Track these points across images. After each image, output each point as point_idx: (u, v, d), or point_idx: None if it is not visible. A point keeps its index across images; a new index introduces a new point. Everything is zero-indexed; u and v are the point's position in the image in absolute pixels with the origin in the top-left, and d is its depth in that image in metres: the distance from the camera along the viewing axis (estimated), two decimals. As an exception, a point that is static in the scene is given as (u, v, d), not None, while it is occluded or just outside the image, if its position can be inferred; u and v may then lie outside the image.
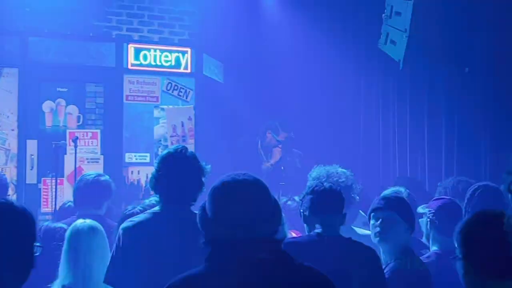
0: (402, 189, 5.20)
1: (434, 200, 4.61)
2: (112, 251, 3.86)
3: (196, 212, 3.90)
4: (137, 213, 4.22)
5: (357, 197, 4.81)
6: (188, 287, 2.49)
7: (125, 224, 3.89)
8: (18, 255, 2.48)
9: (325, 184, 3.97)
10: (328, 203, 3.80)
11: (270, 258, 2.45)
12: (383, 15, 7.19)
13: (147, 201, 4.79)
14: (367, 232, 4.65)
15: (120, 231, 3.85)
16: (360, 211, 5.30)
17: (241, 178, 2.51)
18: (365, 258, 3.69)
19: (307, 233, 3.85)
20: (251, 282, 2.41)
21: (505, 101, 8.29)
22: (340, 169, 4.69)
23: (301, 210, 3.86)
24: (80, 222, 4.19)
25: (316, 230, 3.71)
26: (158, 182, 3.93)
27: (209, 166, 4.06)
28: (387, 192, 5.10)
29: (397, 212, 3.99)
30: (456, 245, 2.68)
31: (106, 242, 4.17)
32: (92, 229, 4.13)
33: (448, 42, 6.78)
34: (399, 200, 4.16)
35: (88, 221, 4.18)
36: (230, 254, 2.44)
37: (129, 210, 4.63)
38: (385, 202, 4.07)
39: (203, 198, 2.69)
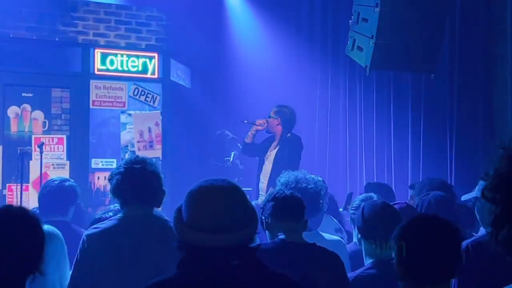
0: (373, 195, 5.22)
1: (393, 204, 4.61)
2: (76, 256, 3.84)
3: (160, 218, 3.94)
4: (106, 219, 4.20)
5: (325, 204, 4.81)
6: None
7: (89, 230, 3.89)
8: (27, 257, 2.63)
9: (286, 191, 3.97)
10: (289, 209, 3.80)
11: (244, 266, 2.44)
12: (350, 21, 7.21)
13: (112, 207, 4.76)
14: (335, 237, 4.67)
15: (84, 237, 3.84)
16: (332, 217, 5.31)
17: (219, 184, 2.49)
18: (329, 263, 3.70)
19: (269, 240, 3.85)
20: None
21: (470, 106, 8.40)
22: (309, 175, 4.69)
23: (263, 217, 3.86)
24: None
25: (280, 237, 3.71)
26: (118, 188, 3.93)
27: (163, 176, 4.11)
28: (360, 198, 5.12)
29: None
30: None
31: (63, 248, 4.12)
32: (49, 235, 4.08)
33: (415, 48, 6.82)
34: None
35: (46, 227, 4.14)
36: (204, 260, 2.43)
37: (97, 216, 4.60)
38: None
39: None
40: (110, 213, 4.49)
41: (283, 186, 4.44)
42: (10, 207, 2.82)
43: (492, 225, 1.77)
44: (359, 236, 3.93)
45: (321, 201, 4.66)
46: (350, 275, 3.78)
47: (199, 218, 2.44)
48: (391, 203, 4.24)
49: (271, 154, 8.08)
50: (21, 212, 2.74)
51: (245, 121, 8.43)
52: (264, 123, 8.20)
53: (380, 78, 9.16)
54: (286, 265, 2.80)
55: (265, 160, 8.13)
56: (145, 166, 3.94)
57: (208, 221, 2.41)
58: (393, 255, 2.85)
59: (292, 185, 4.48)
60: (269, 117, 8.17)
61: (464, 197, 4.93)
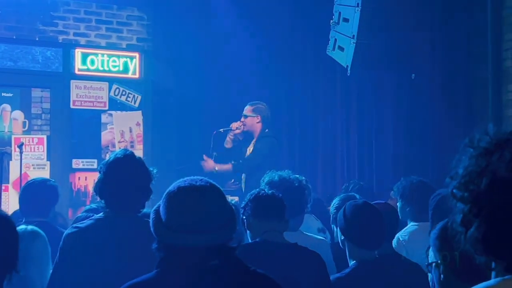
0: (355, 195, 5.22)
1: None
2: (56, 257, 3.81)
3: (143, 219, 3.91)
4: (83, 218, 4.17)
5: (308, 203, 4.81)
6: None
7: (69, 230, 3.84)
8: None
9: (267, 190, 3.97)
10: (270, 209, 3.80)
11: (223, 265, 2.43)
12: (331, 21, 7.24)
13: (87, 207, 4.75)
14: (318, 237, 4.68)
15: (64, 237, 3.80)
16: (315, 217, 5.31)
17: (197, 184, 2.48)
18: (311, 263, 3.70)
19: (250, 240, 3.84)
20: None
21: (451, 106, 8.44)
22: (293, 175, 4.69)
23: (244, 217, 3.85)
24: (21, 228, 4.11)
25: (261, 237, 3.71)
26: (104, 187, 3.86)
27: (156, 171, 4.01)
28: (341, 198, 5.13)
29: None
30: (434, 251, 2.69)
31: (46, 248, 4.10)
32: (32, 234, 4.07)
33: (395, 48, 6.86)
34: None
35: (30, 227, 4.12)
36: (183, 260, 2.42)
37: (77, 216, 4.59)
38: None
39: (152, 204, 2.66)
40: (84, 213, 4.49)
41: (267, 185, 4.43)
42: None
43: (461, 224, 1.78)
44: (342, 237, 3.93)
45: (305, 201, 4.66)
46: (334, 276, 3.78)
47: (177, 219, 2.42)
48: (374, 203, 4.24)
49: (248, 151, 8.03)
50: None
51: (221, 130, 8.30)
52: (241, 125, 8.10)
53: (361, 78, 9.17)
54: (268, 265, 2.79)
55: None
56: (131, 166, 3.87)
57: (187, 222, 2.40)
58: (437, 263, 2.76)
59: (277, 185, 4.47)
60: (246, 116, 8.07)
61: None
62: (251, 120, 8.03)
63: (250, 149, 8.02)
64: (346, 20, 6.91)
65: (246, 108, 8.11)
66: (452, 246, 2.58)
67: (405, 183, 5.65)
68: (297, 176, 4.79)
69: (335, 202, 5.11)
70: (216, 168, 7.79)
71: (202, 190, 2.46)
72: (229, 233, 2.48)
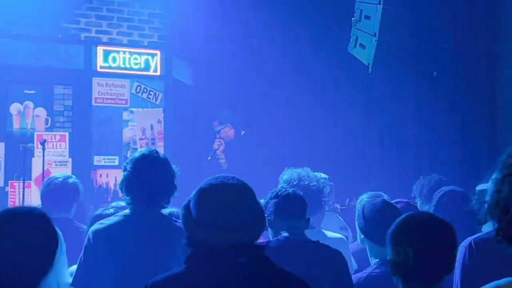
0: (382, 194, 5.20)
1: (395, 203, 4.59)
2: (81, 253, 3.83)
3: (168, 215, 3.93)
4: (107, 215, 4.18)
5: (328, 201, 4.80)
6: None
7: (95, 226, 3.86)
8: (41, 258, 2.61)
9: (288, 188, 3.97)
10: (291, 207, 3.80)
11: (251, 263, 2.44)
12: (352, 19, 7.22)
13: (114, 204, 4.75)
14: (337, 235, 4.66)
15: (90, 233, 3.81)
16: (337, 215, 5.30)
17: (229, 182, 2.49)
18: (332, 260, 3.69)
19: (272, 238, 3.84)
20: (230, 286, 2.40)
21: (473, 103, 8.39)
22: (311, 173, 4.67)
23: (266, 215, 3.85)
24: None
25: (284, 234, 3.71)
26: (130, 183, 3.89)
27: (178, 169, 4.04)
28: (368, 195, 5.11)
29: None
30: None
31: (62, 245, 4.12)
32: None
33: (417, 46, 6.82)
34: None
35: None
36: (212, 257, 2.43)
37: (99, 212, 4.59)
38: None
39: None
40: (111, 210, 4.48)
41: (286, 184, 4.43)
42: (18, 208, 2.79)
43: (497, 218, 1.78)
44: (362, 236, 3.93)
45: (323, 198, 4.65)
46: (356, 275, 3.77)
47: (209, 216, 2.43)
48: (396, 201, 4.23)
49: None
50: (31, 212, 2.71)
51: (209, 158, 8.23)
52: (221, 142, 8.07)
53: (383, 76, 9.14)
54: (290, 262, 2.79)
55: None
56: (156, 163, 3.90)
57: (218, 219, 2.41)
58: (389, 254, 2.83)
59: (295, 183, 4.47)
60: (218, 132, 8.03)
61: (479, 187, 4.91)
62: (224, 132, 8.06)
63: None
64: (367, 17, 6.90)
65: (214, 124, 8.12)
66: (407, 241, 2.64)
67: (423, 181, 5.64)
68: (317, 174, 4.78)
69: (362, 199, 5.09)
70: None
71: (233, 188, 2.48)
72: (258, 232, 2.49)
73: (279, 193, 3.87)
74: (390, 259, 2.79)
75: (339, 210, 6.12)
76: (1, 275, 2.51)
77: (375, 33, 6.68)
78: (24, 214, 2.67)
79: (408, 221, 2.86)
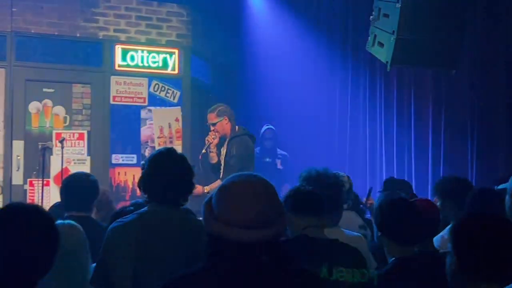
0: (402, 194, 5.16)
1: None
2: (100, 251, 3.84)
3: (187, 213, 3.94)
4: (125, 213, 4.19)
5: (347, 199, 4.78)
6: (187, 285, 2.47)
7: (114, 224, 3.86)
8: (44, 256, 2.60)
9: (305, 186, 3.96)
10: (309, 205, 3.79)
11: (272, 261, 2.43)
12: (370, 17, 7.18)
13: (133, 202, 4.76)
14: (355, 233, 4.64)
15: (108, 231, 3.82)
16: (356, 213, 5.28)
17: (252, 180, 2.48)
18: (351, 259, 3.68)
19: (290, 235, 3.84)
20: (251, 284, 2.40)
21: (491, 103, 8.34)
22: (330, 171, 4.66)
23: None
24: (58, 222, 4.14)
25: (302, 232, 3.70)
26: (148, 181, 3.91)
27: (195, 168, 4.06)
28: (386, 197, 5.08)
29: None
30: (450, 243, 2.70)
31: (85, 241, 4.13)
32: (70, 228, 4.09)
33: (436, 44, 6.78)
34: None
35: (67, 222, 4.14)
36: (233, 254, 2.42)
37: (118, 210, 4.60)
38: None
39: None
40: (131, 207, 4.49)
41: (305, 181, 4.42)
42: (23, 204, 2.77)
43: None
44: (379, 233, 3.91)
45: (342, 197, 4.63)
46: (374, 273, 3.76)
47: (231, 213, 2.42)
48: (411, 199, 4.21)
49: (223, 152, 7.96)
50: (35, 210, 2.70)
51: (203, 152, 8.13)
52: (215, 134, 7.97)
53: (401, 74, 9.12)
54: (309, 260, 2.79)
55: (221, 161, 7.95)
56: (174, 161, 3.92)
57: (240, 217, 2.40)
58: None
59: (313, 180, 4.45)
60: (214, 124, 7.93)
61: (500, 187, 4.88)
62: (220, 125, 7.91)
63: (223, 151, 7.93)
64: (386, 15, 6.86)
65: (208, 117, 7.99)
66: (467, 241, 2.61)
67: (443, 180, 5.61)
68: (335, 172, 4.77)
69: (380, 197, 5.06)
70: (206, 190, 7.61)
71: (256, 185, 2.47)
72: (280, 230, 2.48)
73: (296, 191, 3.86)
74: None
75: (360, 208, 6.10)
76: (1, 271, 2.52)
77: (393, 31, 6.64)
78: (27, 212, 2.66)
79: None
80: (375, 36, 7.11)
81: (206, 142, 7.89)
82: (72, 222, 4.07)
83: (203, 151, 7.92)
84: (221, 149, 7.90)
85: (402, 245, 3.76)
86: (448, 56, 6.97)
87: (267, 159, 9.21)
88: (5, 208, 2.71)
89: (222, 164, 7.78)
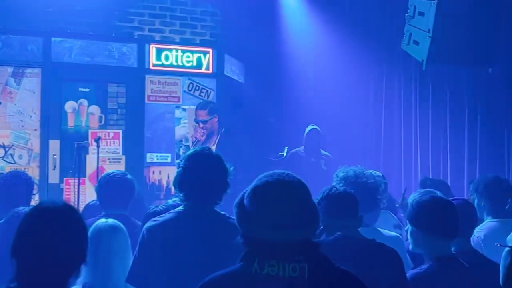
0: (435, 191, 5.13)
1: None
2: (136, 250, 3.86)
3: (221, 212, 3.94)
4: (160, 212, 4.20)
5: (384, 199, 4.76)
6: (223, 286, 2.47)
7: (149, 223, 3.87)
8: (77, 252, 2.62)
9: (339, 187, 3.94)
10: (344, 207, 3.77)
11: (308, 261, 2.41)
12: (406, 15, 7.14)
13: (170, 201, 4.77)
14: (392, 233, 4.62)
15: (144, 230, 3.83)
16: (391, 213, 5.26)
17: (285, 179, 2.45)
18: (389, 259, 3.65)
19: (326, 237, 3.82)
20: (288, 284, 2.38)
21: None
22: (367, 170, 4.63)
23: None
24: (102, 221, 4.16)
25: (338, 232, 3.68)
26: (183, 180, 3.91)
27: (232, 167, 4.04)
28: (421, 193, 5.04)
29: None
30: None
31: (127, 242, 4.14)
32: (113, 228, 4.10)
33: (472, 42, 6.71)
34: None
35: (110, 221, 4.16)
36: (268, 255, 2.41)
37: (152, 209, 4.62)
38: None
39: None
40: (162, 207, 4.51)
41: (342, 181, 4.40)
42: (55, 202, 2.78)
43: None
44: (411, 228, 3.85)
45: (379, 196, 4.61)
46: (412, 272, 3.73)
47: (265, 213, 2.40)
48: (452, 199, 4.17)
49: (213, 147, 8.04)
50: (66, 208, 2.70)
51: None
52: (204, 132, 8.02)
53: (437, 72, 9.05)
54: (346, 260, 2.76)
55: None
56: (209, 160, 3.91)
57: (274, 216, 2.38)
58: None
59: (352, 180, 4.43)
60: (205, 122, 7.96)
61: None
62: (211, 122, 8.00)
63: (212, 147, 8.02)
64: (421, 14, 6.81)
65: (199, 113, 8.02)
66: None
67: (480, 179, 5.57)
68: (372, 171, 4.75)
69: (414, 196, 5.02)
70: None
71: (289, 185, 2.44)
72: (313, 229, 2.46)
73: (330, 192, 3.83)
74: None
75: (397, 205, 6.07)
76: (33, 269, 2.53)
77: (429, 30, 6.59)
78: (58, 209, 2.67)
79: None
80: (410, 34, 7.06)
81: (194, 139, 7.93)
82: (116, 221, 4.09)
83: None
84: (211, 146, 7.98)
85: (440, 244, 3.72)
86: (484, 54, 6.90)
87: (312, 160, 9.20)
88: (36, 207, 2.72)
89: None
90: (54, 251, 2.54)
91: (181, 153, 8.92)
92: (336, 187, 3.94)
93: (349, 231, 3.69)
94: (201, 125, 7.96)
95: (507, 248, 2.68)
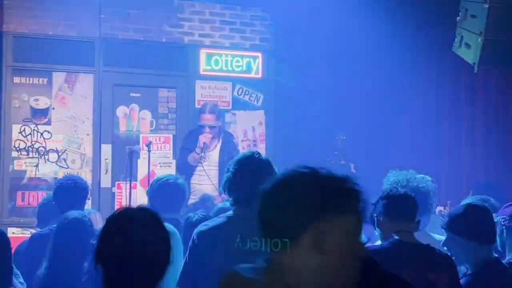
0: (491, 199, 5.05)
1: (505, 207, 4.45)
2: (186, 255, 3.88)
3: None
4: (200, 220, 4.23)
5: (434, 204, 4.72)
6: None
7: (200, 228, 3.90)
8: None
9: (400, 189, 3.90)
10: (403, 209, 3.73)
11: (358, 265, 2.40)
12: (457, 17, 7.06)
13: (220, 205, 4.79)
14: (441, 237, 4.58)
15: (194, 235, 3.85)
16: (440, 217, 5.21)
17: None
18: (445, 264, 3.62)
19: (380, 239, 3.79)
20: None
21: None
22: (418, 175, 4.60)
23: (374, 215, 3.78)
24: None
25: (396, 237, 3.63)
26: (232, 184, 3.91)
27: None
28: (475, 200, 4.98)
29: None
30: None
31: (180, 246, 4.18)
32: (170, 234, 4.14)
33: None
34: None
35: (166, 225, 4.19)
36: None
37: (192, 218, 4.66)
38: None
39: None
40: (200, 214, 4.55)
41: (393, 185, 4.37)
42: (136, 208, 2.81)
43: None
44: (457, 237, 3.79)
45: (430, 200, 4.58)
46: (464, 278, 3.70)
47: None
48: (507, 205, 4.13)
49: (215, 151, 8.13)
50: (148, 213, 2.74)
51: (202, 155, 8.31)
52: (210, 136, 8.21)
53: (489, 76, 8.93)
54: (404, 265, 2.74)
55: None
56: (258, 165, 3.91)
57: None
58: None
59: (403, 184, 4.40)
60: (213, 127, 8.12)
61: None
62: (218, 128, 8.19)
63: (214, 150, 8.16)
64: (473, 16, 6.73)
65: (206, 117, 8.18)
66: None
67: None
68: (423, 176, 4.71)
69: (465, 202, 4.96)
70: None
71: None
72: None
73: (390, 193, 3.80)
74: None
75: (442, 213, 6.02)
76: (125, 276, 2.56)
77: (481, 32, 6.51)
78: (141, 215, 2.69)
79: None
80: (461, 37, 6.98)
81: (202, 144, 8.07)
82: (171, 227, 4.13)
83: (201, 153, 8.10)
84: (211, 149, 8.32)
85: (484, 250, 3.68)
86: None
87: (342, 162, 9.15)
88: (120, 213, 2.75)
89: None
90: (143, 256, 2.58)
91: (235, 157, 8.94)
92: (397, 188, 3.90)
93: (405, 235, 3.65)
94: (207, 130, 8.16)
95: None
